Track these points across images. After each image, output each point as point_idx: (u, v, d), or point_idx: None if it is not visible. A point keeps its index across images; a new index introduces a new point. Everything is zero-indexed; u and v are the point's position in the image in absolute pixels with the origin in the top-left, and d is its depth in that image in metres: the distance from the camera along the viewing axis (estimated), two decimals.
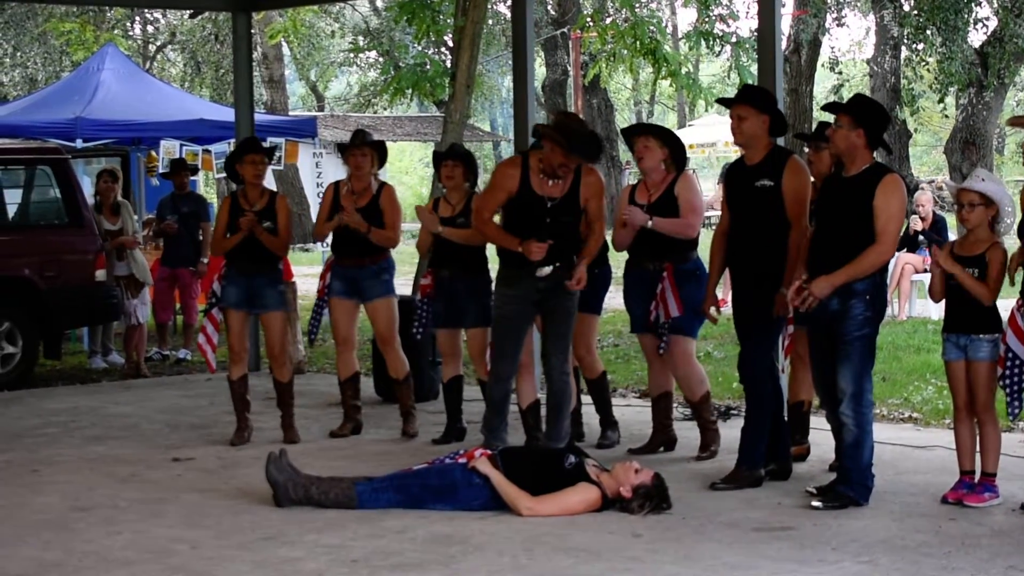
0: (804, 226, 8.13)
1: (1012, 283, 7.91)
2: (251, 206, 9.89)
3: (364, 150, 10.01)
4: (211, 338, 10.04)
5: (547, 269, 8.74)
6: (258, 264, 9.89)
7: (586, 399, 10.43)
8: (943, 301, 7.99)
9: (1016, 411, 7.85)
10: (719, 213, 8.90)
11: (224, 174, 18.09)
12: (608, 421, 9.90)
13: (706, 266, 8.81)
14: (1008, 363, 7.74)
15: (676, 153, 9.20)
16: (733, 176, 8.55)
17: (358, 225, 9.84)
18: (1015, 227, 7.93)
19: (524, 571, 6.60)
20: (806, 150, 8.89)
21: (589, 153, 8.72)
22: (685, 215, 9.02)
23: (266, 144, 11.32)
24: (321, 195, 17.03)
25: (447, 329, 9.91)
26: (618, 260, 9.46)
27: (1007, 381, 7.76)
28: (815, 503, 7.81)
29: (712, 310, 8.71)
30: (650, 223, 8.98)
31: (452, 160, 9.94)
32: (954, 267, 7.78)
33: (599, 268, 9.59)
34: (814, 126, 9.61)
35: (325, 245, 17.31)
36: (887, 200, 7.73)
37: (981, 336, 7.78)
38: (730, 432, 9.04)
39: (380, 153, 10.13)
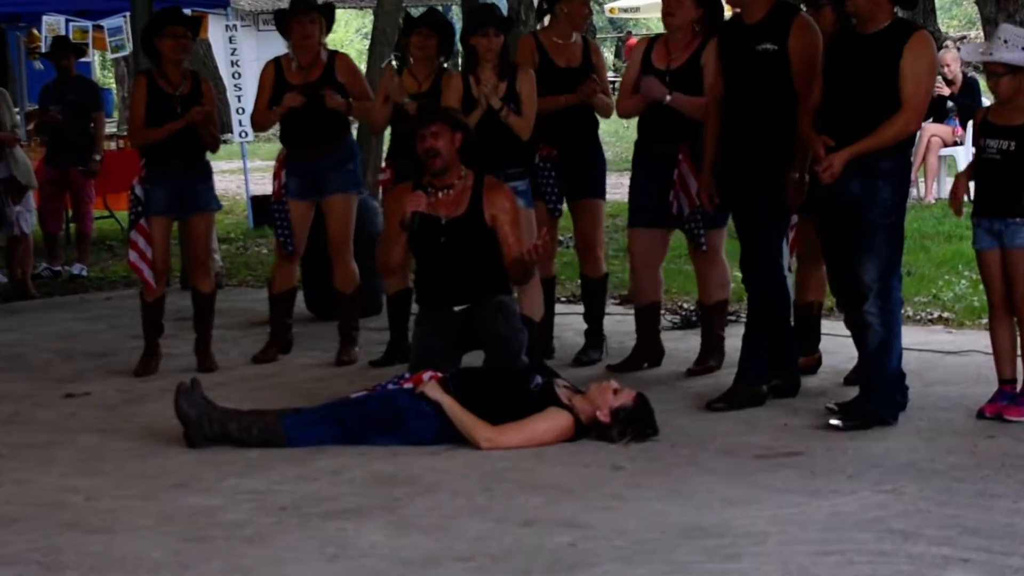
0: (815, 97, 7.98)
1: None
2: (174, 89, 9.82)
3: (312, 16, 9.89)
4: (144, 253, 9.90)
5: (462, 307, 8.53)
6: (188, 159, 9.84)
7: (564, 308, 10.40)
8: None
9: None
10: None
11: (121, 53, 18.02)
12: (595, 334, 9.87)
13: None
14: None
15: (710, 15, 9.03)
16: (729, 37, 8.43)
17: (339, 105, 9.76)
18: None
19: (483, 514, 6.56)
20: (803, 8, 8.74)
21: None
22: None
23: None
24: (237, 76, 16.98)
25: None
26: (617, 141, 9.35)
27: None
28: (833, 421, 7.79)
29: (709, 198, 8.61)
30: (668, 99, 8.84)
31: (427, 28, 9.75)
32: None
33: (590, 148, 9.59)
34: None
35: (247, 136, 17.19)
36: (916, 61, 7.64)
37: (1019, 220, 7.74)
38: (732, 343, 8.99)
39: (328, 19, 10.05)
